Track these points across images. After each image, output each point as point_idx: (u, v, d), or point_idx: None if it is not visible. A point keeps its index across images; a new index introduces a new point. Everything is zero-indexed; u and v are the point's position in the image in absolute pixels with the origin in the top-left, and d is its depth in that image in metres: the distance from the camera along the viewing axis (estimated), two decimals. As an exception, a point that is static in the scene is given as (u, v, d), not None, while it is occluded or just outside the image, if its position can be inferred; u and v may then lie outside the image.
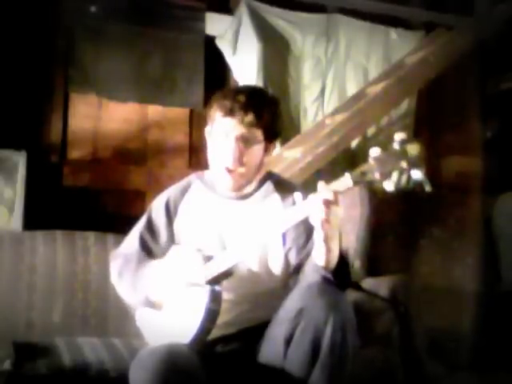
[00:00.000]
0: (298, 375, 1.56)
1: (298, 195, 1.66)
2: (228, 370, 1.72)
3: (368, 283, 2.31)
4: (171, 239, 1.89)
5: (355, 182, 1.52)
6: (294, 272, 1.78)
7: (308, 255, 1.72)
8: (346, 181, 1.53)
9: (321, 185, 1.55)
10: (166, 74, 3.58)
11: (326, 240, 1.57)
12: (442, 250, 3.16)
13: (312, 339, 1.54)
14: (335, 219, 1.55)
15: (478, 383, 2.83)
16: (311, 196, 1.56)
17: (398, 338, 2.01)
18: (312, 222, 1.57)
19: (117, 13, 3.47)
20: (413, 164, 1.44)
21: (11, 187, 2.93)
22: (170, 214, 1.90)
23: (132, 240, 1.95)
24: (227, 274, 1.71)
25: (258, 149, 1.80)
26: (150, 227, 1.93)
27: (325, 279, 1.62)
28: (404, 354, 1.82)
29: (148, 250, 1.90)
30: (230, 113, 1.75)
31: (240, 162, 1.77)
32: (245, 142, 1.76)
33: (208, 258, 1.72)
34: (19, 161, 2.96)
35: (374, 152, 1.48)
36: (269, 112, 1.80)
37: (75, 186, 3.26)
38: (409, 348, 1.61)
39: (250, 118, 1.74)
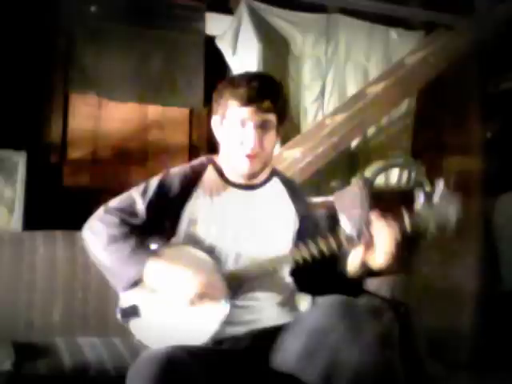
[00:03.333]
0: None
1: (342, 217, 1.76)
2: (231, 375, 1.70)
3: (368, 283, 2.30)
4: (176, 219, 1.80)
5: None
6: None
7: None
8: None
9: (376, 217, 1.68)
10: (166, 74, 3.58)
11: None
12: (442, 250, 3.16)
13: (328, 359, 1.54)
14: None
15: (478, 383, 2.83)
16: (381, 230, 1.67)
17: (398, 338, 2.01)
18: (378, 249, 1.67)
19: (117, 13, 3.48)
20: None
21: (11, 187, 2.93)
22: (184, 195, 1.81)
23: (135, 205, 1.80)
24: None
25: (273, 134, 1.82)
26: (161, 199, 1.80)
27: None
28: (404, 354, 1.82)
29: (154, 223, 1.80)
30: (247, 101, 1.75)
31: (260, 147, 1.78)
32: (262, 128, 1.78)
33: (220, 263, 1.74)
34: (19, 161, 2.96)
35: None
36: (281, 96, 1.84)
37: (75, 186, 3.26)
38: (409, 348, 1.61)
39: (266, 104, 1.76)
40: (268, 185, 1.90)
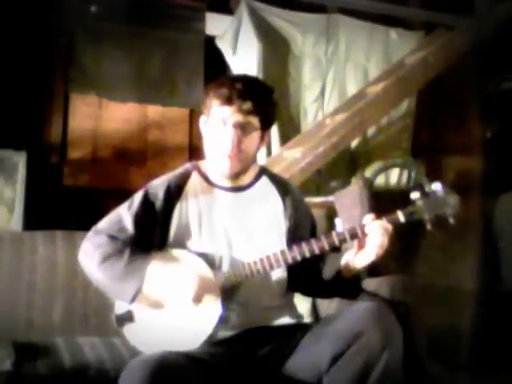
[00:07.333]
0: None
1: (338, 221, 1.75)
2: (224, 379, 1.70)
3: (368, 283, 2.30)
4: (165, 229, 1.81)
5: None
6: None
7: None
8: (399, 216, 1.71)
9: (369, 217, 1.69)
10: (166, 74, 3.59)
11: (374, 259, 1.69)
12: (442, 250, 3.16)
13: (364, 363, 1.58)
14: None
15: (478, 383, 2.83)
16: (373, 223, 1.68)
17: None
18: (368, 242, 1.68)
19: (117, 13, 3.48)
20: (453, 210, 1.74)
21: (11, 187, 2.93)
22: (170, 204, 1.82)
23: (122, 220, 1.81)
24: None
25: (254, 136, 1.80)
26: (147, 210, 1.81)
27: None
28: (404, 354, 1.83)
29: (143, 235, 1.79)
30: (227, 101, 1.74)
31: (239, 148, 1.76)
32: (242, 129, 1.76)
33: (214, 267, 1.74)
34: (19, 161, 2.96)
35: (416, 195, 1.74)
36: (265, 100, 1.81)
37: (75, 186, 3.26)
38: (409, 348, 1.62)
39: (247, 105, 1.75)
40: (257, 185, 1.88)
